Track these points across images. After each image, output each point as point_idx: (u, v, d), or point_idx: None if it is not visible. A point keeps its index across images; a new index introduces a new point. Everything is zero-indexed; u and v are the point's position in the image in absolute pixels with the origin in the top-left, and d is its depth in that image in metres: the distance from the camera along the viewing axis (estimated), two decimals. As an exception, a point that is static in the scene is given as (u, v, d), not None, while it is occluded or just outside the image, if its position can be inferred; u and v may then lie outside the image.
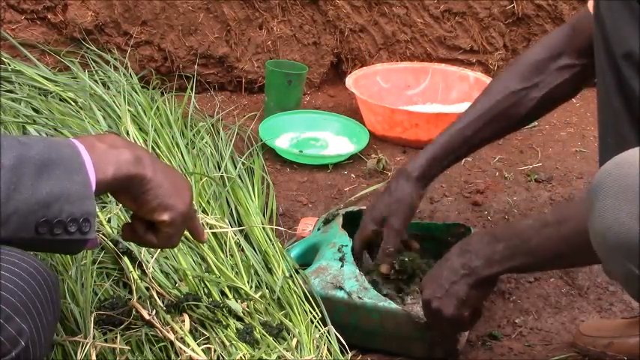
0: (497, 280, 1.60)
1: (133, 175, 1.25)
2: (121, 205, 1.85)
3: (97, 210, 1.65)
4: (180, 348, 1.51)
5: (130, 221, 1.37)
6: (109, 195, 1.87)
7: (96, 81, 2.54)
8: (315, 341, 1.62)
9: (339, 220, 1.94)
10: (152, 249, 1.74)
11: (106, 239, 1.74)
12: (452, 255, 1.59)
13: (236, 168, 2.23)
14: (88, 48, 2.70)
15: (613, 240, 1.18)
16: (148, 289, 1.64)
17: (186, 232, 1.43)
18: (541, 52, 1.73)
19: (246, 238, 1.91)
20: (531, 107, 1.74)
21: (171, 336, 1.53)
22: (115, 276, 1.71)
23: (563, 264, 1.27)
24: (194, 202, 1.47)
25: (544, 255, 1.45)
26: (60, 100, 2.44)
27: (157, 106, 2.39)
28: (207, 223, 1.87)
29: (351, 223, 1.95)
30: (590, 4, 1.61)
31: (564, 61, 1.70)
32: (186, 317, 1.59)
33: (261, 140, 2.45)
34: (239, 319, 1.64)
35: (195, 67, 2.77)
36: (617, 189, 1.18)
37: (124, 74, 2.61)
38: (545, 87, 1.72)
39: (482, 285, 1.57)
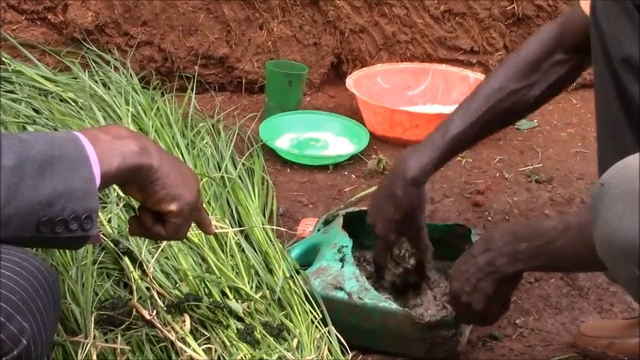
0: (522, 276, 1.61)
1: (140, 165, 1.24)
2: (121, 205, 1.86)
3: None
4: (181, 348, 1.51)
5: (136, 214, 1.36)
6: (109, 195, 1.89)
7: (96, 81, 2.54)
8: (315, 341, 1.62)
9: (340, 220, 1.93)
10: (152, 249, 1.74)
11: (106, 239, 1.74)
12: (476, 251, 1.59)
13: (236, 168, 2.22)
14: (88, 48, 2.70)
15: (619, 246, 1.18)
16: (148, 289, 1.64)
17: (193, 227, 1.42)
18: (535, 49, 1.73)
19: (247, 238, 1.91)
20: (530, 104, 1.75)
21: (172, 336, 1.53)
22: (116, 276, 1.71)
23: (585, 267, 1.26)
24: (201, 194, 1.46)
25: (567, 257, 1.45)
26: (60, 100, 2.44)
27: (158, 107, 2.39)
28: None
29: (352, 223, 1.95)
30: (584, 4, 1.61)
31: (559, 57, 1.70)
32: (186, 317, 1.58)
33: (262, 141, 2.45)
34: (240, 319, 1.64)
35: (196, 67, 2.77)
36: (622, 195, 1.17)
37: (124, 74, 2.61)
38: (543, 84, 1.72)
39: (508, 280, 1.58)
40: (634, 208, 1.15)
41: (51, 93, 2.47)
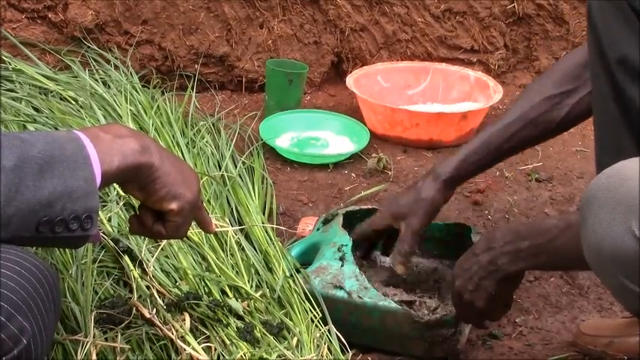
0: (524, 274, 1.62)
1: (140, 164, 1.24)
2: (121, 204, 1.86)
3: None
4: (181, 347, 1.51)
5: (136, 213, 1.36)
6: (109, 194, 1.89)
7: (96, 80, 2.54)
8: (315, 340, 1.62)
9: (340, 219, 1.93)
10: (152, 248, 1.74)
11: (106, 238, 1.74)
12: (478, 250, 1.60)
13: (236, 167, 2.23)
14: (88, 47, 2.70)
15: (607, 253, 1.18)
16: (148, 287, 1.65)
17: (193, 226, 1.42)
18: (578, 58, 1.70)
19: (247, 237, 1.91)
20: (566, 113, 1.72)
21: (172, 335, 1.53)
22: (116, 275, 1.71)
23: (586, 265, 1.26)
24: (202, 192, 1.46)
25: (568, 255, 1.45)
26: (60, 99, 2.44)
27: (158, 105, 2.39)
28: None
29: (352, 222, 1.95)
30: None
31: None
32: (186, 316, 1.59)
33: (262, 139, 2.45)
34: (239, 317, 1.64)
35: (196, 66, 2.77)
36: (609, 202, 1.17)
37: (124, 73, 2.61)
38: (579, 93, 1.70)
39: (509, 279, 1.59)
40: (622, 215, 1.15)
41: (51, 92, 2.47)
